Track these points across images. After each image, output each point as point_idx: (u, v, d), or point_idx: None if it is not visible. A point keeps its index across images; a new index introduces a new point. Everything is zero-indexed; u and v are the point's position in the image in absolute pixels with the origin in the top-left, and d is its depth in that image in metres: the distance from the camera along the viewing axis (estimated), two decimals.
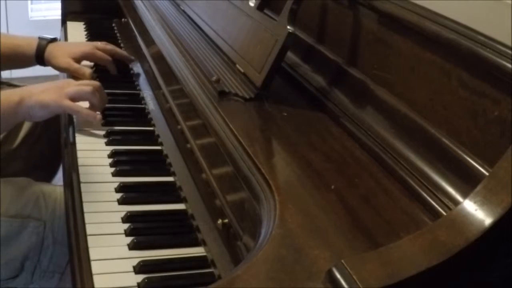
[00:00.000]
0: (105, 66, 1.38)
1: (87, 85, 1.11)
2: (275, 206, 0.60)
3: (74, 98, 1.09)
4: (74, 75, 1.30)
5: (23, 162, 1.35)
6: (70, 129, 1.13)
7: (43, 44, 1.33)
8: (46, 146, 1.41)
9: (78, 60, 1.33)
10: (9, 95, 1.06)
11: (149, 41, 1.26)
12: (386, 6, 0.74)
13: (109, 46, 1.39)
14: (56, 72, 1.39)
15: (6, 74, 2.46)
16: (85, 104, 1.12)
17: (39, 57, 1.33)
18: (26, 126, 1.37)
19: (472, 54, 0.59)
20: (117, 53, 1.39)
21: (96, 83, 1.15)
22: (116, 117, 1.19)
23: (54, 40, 1.37)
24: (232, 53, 0.96)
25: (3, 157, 1.30)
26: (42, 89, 1.08)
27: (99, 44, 1.38)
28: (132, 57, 1.42)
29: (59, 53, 1.32)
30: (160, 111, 1.19)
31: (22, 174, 1.25)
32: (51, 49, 1.33)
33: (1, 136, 1.32)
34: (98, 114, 1.11)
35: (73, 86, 1.10)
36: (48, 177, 1.47)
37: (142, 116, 1.21)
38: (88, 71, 1.30)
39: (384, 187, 0.65)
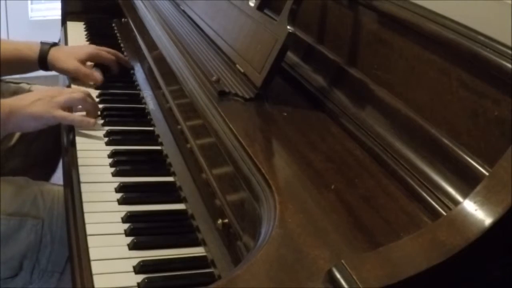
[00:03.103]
0: (109, 66, 1.38)
1: (77, 92, 1.11)
2: (275, 206, 0.60)
3: (66, 107, 1.09)
4: (84, 80, 1.31)
5: (22, 160, 1.35)
6: (70, 129, 1.13)
7: (45, 49, 1.33)
8: (44, 143, 1.41)
9: (83, 61, 1.34)
10: None
11: (149, 41, 1.26)
12: (386, 6, 0.74)
13: (112, 50, 1.40)
14: (55, 72, 1.39)
15: None
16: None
17: (42, 61, 1.33)
18: None
19: (472, 54, 0.59)
20: (118, 57, 1.40)
21: (86, 90, 1.16)
22: (116, 117, 1.19)
23: (56, 44, 1.37)
24: (232, 53, 0.96)
25: (2, 154, 1.30)
26: (32, 100, 1.07)
27: (102, 47, 1.39)
28: (131, 64, 1.43)
29: (65, 56, 1.33)
30: (160, 111, 1.19)
31: (21, 171, 1.25)
32: (54, 53, 1.33)
33: None
34: (92, 119, 1.11)
35: (63, 95, 1.10)
36: (47, 175, 1.47)
37: (142, 116, 1.21)
38: (100, 76, 1.30)
39: (384, 187, 0.65)
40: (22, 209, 1.06)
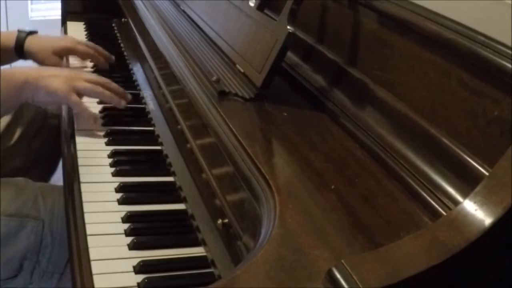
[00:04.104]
0: (94, 62, 1.37)
1: (97, 84, 1.10)
2: (275, 206, 0.60)
3: (82, 94, 1.09)
4: None
5: (22, 159, 1.35)
6: (70, 129, 1.13)
7: (22, 37, 1.32)
8: (44, 142, 1.41)
9: (60, 54, 1.33)
10: (14, 74, 1.04)
11: (149, 41, 1.26)
12: (386, 6, 0.74)
13: (91, 44, 1.38)
14: None
15: None
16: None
17: (19, 50, 1.32)
18: (23, 122, 1.37)
19: (472, 54, 0.59)
20: (98, 52, 1.38)
21: (104, 79, 1.14)
22: (116, 117, 1.19)
23: (33, 32, 1.36)
24: (232, 53, 0.96)
25: (2, 153, 1.30)
26: (51, 74, 1.06)
27: (80, 40, 1.38)
28: (113, 57, 1.41)
29: (41, 48, 1.31)
30: (160, 111, 1.19)
31: (21, 171, 1.25)
32: (31, 41, 1.32)
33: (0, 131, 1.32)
34: (97, 119, 1.10)
35: (83, 83, 1.09)
36: (47, 174, 1.47)
37: (142, 116, 1.21)
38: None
39: (384, 187, 0.65)
40: (23, 210, 1.06)
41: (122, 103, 1.12)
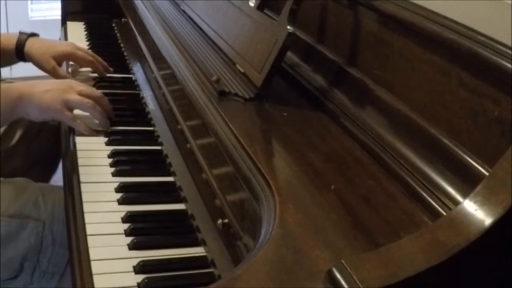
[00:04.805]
0: (92, 69, 1.37)
1: (88, 98, 1.10)
2: (275, 206, 0.60)
3: (74, 108, 1.09)
4: (51, 75, 1.31)
5: (23, 159, 1.35)
6: (70, 129, 1.12)
7: (22, 39, 1.33)
8: (45, 141, 1.41)
9: (59, 59, 1.33)
10: (8, 90, 1.05)
11: (149, 41, 1.26)
12: (386, 6, 0.74)
13: (90, 52, 1.39)
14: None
15: (7, 72, 2.46)
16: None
17: (19, 52, 1.33)
18: (24, 122, 1.37)
19: (472, 54, 0.59)
20: (97, 60, 1.38)
21: (98, 93, 1.14)
22: (116, 117, 1.19)
23: (34, 35, 1.36)
24: (232, 53, 0.96)
25: (3, 154, 1.30)
26: (44, 90, 1.06)
27: (80, 46, 1.39)
28: (111, 69, 1.41)
29: (41, 52, 1.32)
30: (160, 111, 1.19)
31: (22, 171, 1.24)
32: (31, 44, 1.32)
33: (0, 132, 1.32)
34: (93, 132, 1.11)
35: (75, 97, 1.09)
36: (47, 174, 1.47)
37: (142, 116, 1.21)
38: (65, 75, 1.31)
39: (384, 187, 0.65)
40: (23, 211, 1.06)
41: (108, 125, 1.13)
